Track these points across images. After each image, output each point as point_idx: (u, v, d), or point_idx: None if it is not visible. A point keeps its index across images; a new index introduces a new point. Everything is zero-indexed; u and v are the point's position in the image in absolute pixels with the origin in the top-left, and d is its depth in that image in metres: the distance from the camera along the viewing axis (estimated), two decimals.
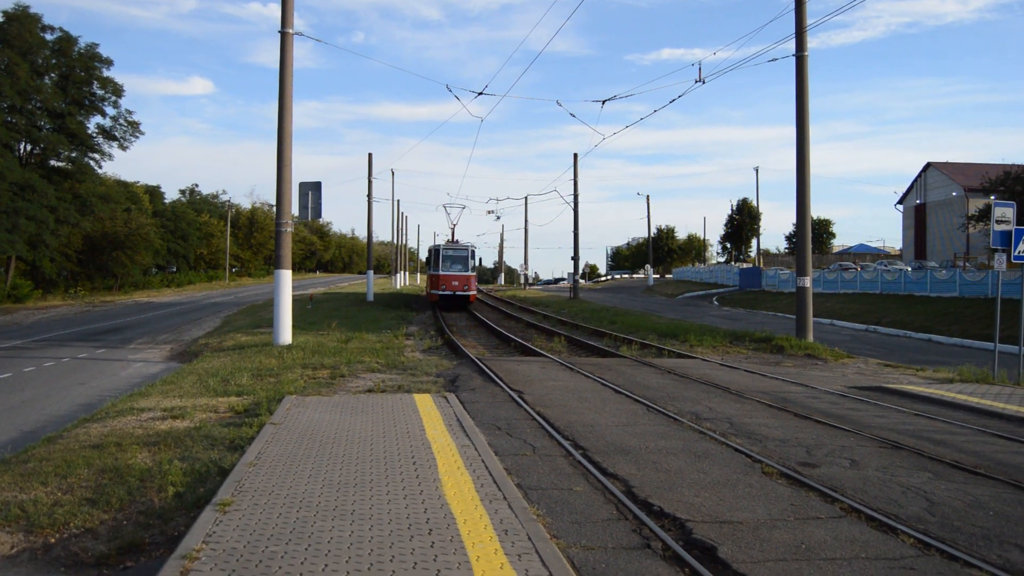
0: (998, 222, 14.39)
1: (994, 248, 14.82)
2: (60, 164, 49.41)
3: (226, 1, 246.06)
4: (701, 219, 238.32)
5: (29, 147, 47.59)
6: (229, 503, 6.08)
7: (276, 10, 17.14)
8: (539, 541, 5.38)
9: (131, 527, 5.99)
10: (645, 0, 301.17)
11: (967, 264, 49.24)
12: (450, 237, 41.70)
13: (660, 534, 5.76)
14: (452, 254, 36.48)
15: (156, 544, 5.72)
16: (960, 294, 35.93)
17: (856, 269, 53.55)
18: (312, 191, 19.74)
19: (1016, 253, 14.09)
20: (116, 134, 52.30)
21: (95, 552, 5.58)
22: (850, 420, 10.29)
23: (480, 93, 24.41)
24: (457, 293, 35.63)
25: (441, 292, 35.30)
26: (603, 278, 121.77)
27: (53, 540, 5.78)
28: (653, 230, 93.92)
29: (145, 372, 17.83)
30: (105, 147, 51.99)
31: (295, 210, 19.22)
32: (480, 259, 38.80)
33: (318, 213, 19.89)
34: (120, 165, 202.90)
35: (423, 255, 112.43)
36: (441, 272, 35.79)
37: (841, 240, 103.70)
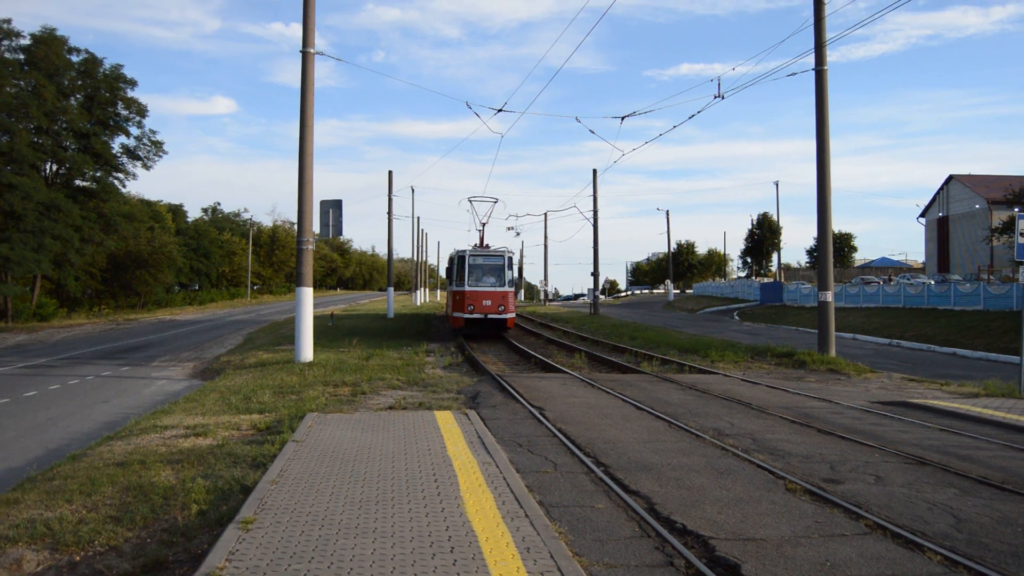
0: (1022, 234, 14.24)
1: (1019, 261, 14.65)
2: (85, 184, 50.03)
3: (249, 22, 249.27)
4: (721, 234, 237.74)
5: (55, 167, 48.23)
6: (252, 521, 6.10)
7: (298, 30, 17.41)
8: (561, 559, 5.36)
9: (155, 545, 6.03)
10: (664, 16, 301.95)
11: (991, 277, 48.72)
12: (479, 240, 31.52)
13: (683, 551, 5.72)
14: (482, 262, 27.84)
15: (180, 562, 5.74)
16: (984, 307, 35.53)
17: (878, 283, 53.11)
18: (333, 209, 19.86)
19: None
20: (140, 154, 52.91)
21: (119, 570, 5.62)
22: (874, 435, 10.19)
23: (500, 110, 24.51)
24: (490, 316, 27.06)
25: (468, 315, 27.03)
26: (623, 293, 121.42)
27: (78, 558, 5.82)
28: (673, 245, 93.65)
29: (168, 390, 17.95)
30: (129, 167, 52.63)
31: (316, 228, 19.34)
32: (521, 269, 31.07)
33: (339, 231, 20.00)
34: (144, 184, 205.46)
35: (443, 271, 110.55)
36: (468, 288, 27.18)
37: (863, 254, 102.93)
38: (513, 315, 28.31)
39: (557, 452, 9.08)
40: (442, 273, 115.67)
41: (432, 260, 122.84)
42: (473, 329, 27.78)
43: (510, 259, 28.20)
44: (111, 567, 5.66)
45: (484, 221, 32.23)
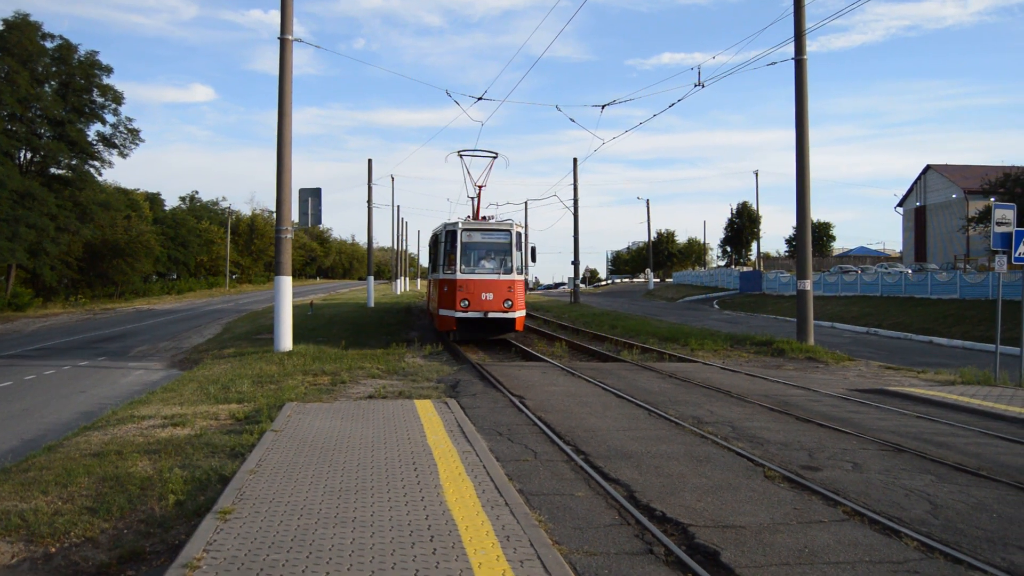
0: (998, 224, 14.38)
1: (994, 250, 14.81)
2: (60, 172, 49.53)
3: (227, 8, 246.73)
4: (701, 223, 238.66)
5: (29, 155, 47.68)
6: (230, 511, 6.06)
7: (277, 17, 17.27)
8: (541, 547, 5.36)
9: (132, 536, 5.98)
10: (646, 5, 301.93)
11: (967, 266, 49.21)
12: (473, 211, 23.69)
13: (663, 539, 5.74)
14: (481, 240, 20.93)
15: (157, 553, 5.70)
16: (961, 296, 35.92)
17: (857, 272, 53.52)
18: (312, 197, 19.74)
19: (1017, 255, 14.08)
20: (116, 141, 52.48)
21: (96, 561, 5.56)
22: (852, 423, 10.27)
23: (480, 98, 24.39)
24: (491, 315, 20.09)
25: (461, 313, 20.05)
26: (603, 282, 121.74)
27: (54, 549, 5.76)
28: (653, 234, 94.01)
29: (146, 380, 17.81)
30: (105, 154, 52.23)
31: (295, 216, 19.23)
32: (533, 250, 23.22)
33: (318, 219, 19.89)
34: (120, 172, 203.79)
35: (424, 260, 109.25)
36: (461, 275, 20.17)
37: (841, 243, 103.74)
38: (523, 313, 21.03)
39: (537, 440, 9.08)
40: (423, 261, 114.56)
41: (412, 249, 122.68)
42: (468, 333, 20.84)
43: (519, 235, 20.94)
44: (87, 558, 5.61)
45: (480, 183, 23.28)
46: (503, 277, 20.36)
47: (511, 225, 21.04)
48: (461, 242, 20.51)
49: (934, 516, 6.37)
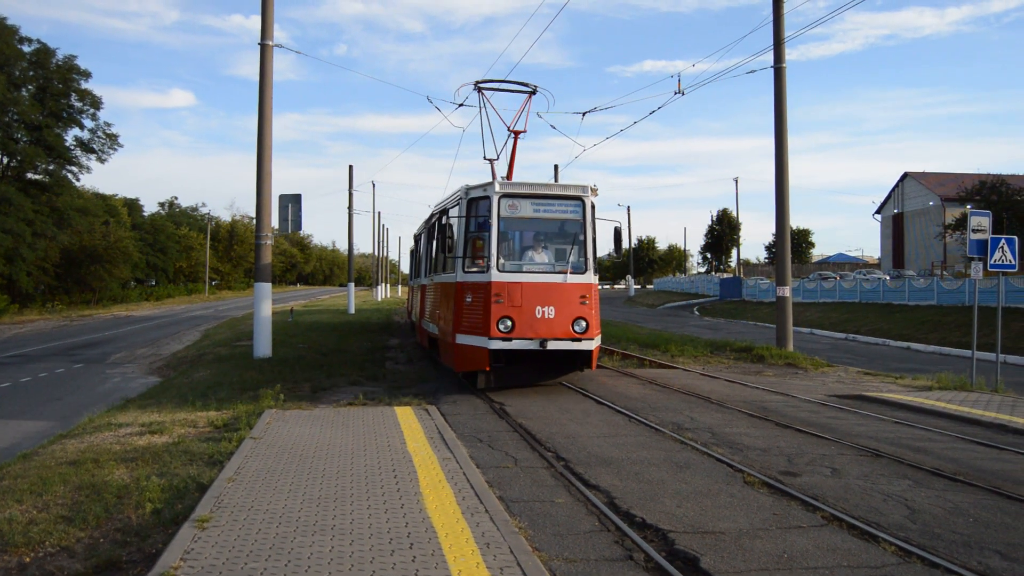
0: (974, 231, 14.52)
1: (971, 257, 14.95)
2: (37, 177, 49.05)
3: (208, 13, 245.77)
4: (682, 230, 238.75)
5: (6, 160, 47.23)
6: (208, 519, 6.01)
7: (258, 22, 17.27)
8: (521, 554, 5.35)
9: (108, 545, 5.91)
10: (627, 13, 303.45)
11: (944, 273, 49.70)
12: (507, 172, 15.45)
13: (642, 545, 5.75)
14: (534, 214, 13.30)
15: (133, 562, 5.63)
16: (938, 302, 36.25)
17: (835, 278, 53.93)
18: (292, 203, 19.66)
19: (992, 262, 14.22)
20: (94, 147, 52.11)
21: (71, 571, 5.50)
22: (831, 428, 10.33)
23: (461, 104, 24.34)
24: (552, 344, 12.50)
25: (501, 342, 12.37)
26: None
27: (28, 559, 5.68)
28: (634, 241, 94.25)
29: (123, 387, 17.66)
30: (83, 160, 51.83)
31: (275, 223, 19.13)
32: (617, 232, 13.93)
33: (298, 225, 19.82)
34: (98, 178, 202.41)
35: (404, 267, 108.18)
36: (498, 276, 12.60)
37: (820, 250, 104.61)
38: (599, 341, 13.51)
39: (518, 447, 9.07)
40: (404, 269, 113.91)
41: (393, 255, 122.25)
42: (512, 375, 13.46)
43: (593, 209, 13.46)
44: (62, 568, 5.54)
45: (517, 129, 15.26)
46: (572, 279, 12.77)
47: (584, 190, 13.21)
48: (499, 216, 12.76)
49: (912, 521, 6.42)
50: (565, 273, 12.82)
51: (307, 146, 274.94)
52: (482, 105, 15.70)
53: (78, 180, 52.96)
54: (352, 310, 42.40)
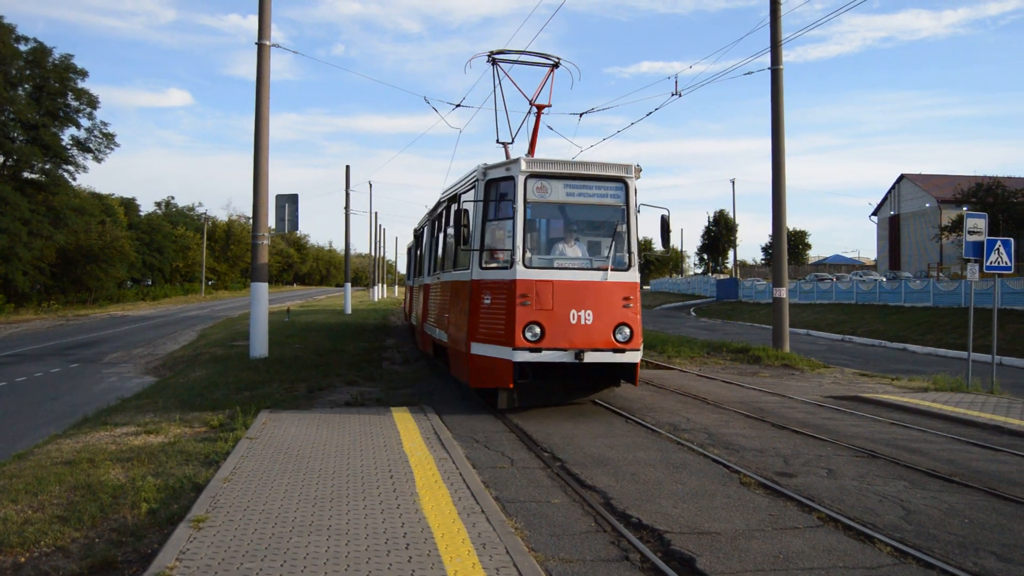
0: (970, 233, 14.56)
1: (967, 258, 14.98)
2: (33, 176, 48.98)
3: (205, 13, 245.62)
4: (678, 231, 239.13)
5: (2, 159, 47.14)
6: (203, 519, 6.00)
7: (255, 22, 17.27)
8: (517, 554, 5.35)
9: (103, 545, 5.90)
10: (625, 14, 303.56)
11: (940, 274, 49.80)
12: (528, 152, 13.07)
13: (639, 546, 5.75)
14: (567, 198, 11.28)
15: (129, 562, 5.62)
16: (934, 304, 36.32)
17: (832, 280, 54.00)
18: (289, 203, 19.63)
19: (988, 263, 14.25)
20: (91, 146, 52.04)
21: (66, 571, 5.48)
22: (827, 429, 10.34)
23: (458, 105, 24.35)
24: (590, 355, 10.53)
25: (528, 354, 10.39)
26: None
27: (23, 559, 5.67)
28: None
29: (119, 386, 17.63)
30: (79, 159, 51.76)
31: (272, 223, 19.11)
32: (664, 221, 11.75)
33: (295, 225, 19.78)
34: (95, 177, 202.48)
35: (401, 267, 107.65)
36: (524, 273, 10.64)
37: (817, 251, 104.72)
38: (641, 351, 11.20)
39: (514, 448, 9.07)
40: (400, 270, 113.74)
41: (390, 256, 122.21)
42: (541, 392, 11.57)
43: (636, 192, 11.51)
44: (58, 568, 5.53)
45: (541, 103, 13.19)
46: (613, 277, 10.95)
47: (627, 170, 11.33)
48: (525, 200, 10.85)
49: (907, 522, 6.42)
50: (605, 270, 10.95)
51: (304, 146, 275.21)
52: (496, 79, 13.59)
53: (74, 179, 53.03)
54: (349, 310, 42.36)
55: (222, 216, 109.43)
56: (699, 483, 7.54)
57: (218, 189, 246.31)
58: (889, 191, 71.15)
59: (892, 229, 69.85)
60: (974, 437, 10.02)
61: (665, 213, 11.78)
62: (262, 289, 18.03)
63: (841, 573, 5.30)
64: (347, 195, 46.43)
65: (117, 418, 11.04)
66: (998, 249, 14.24)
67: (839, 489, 7.40)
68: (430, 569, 5.05)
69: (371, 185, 70.98)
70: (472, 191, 11.65)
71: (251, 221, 18.36)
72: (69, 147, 50.82)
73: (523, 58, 13.57)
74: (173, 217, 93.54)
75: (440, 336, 13.51)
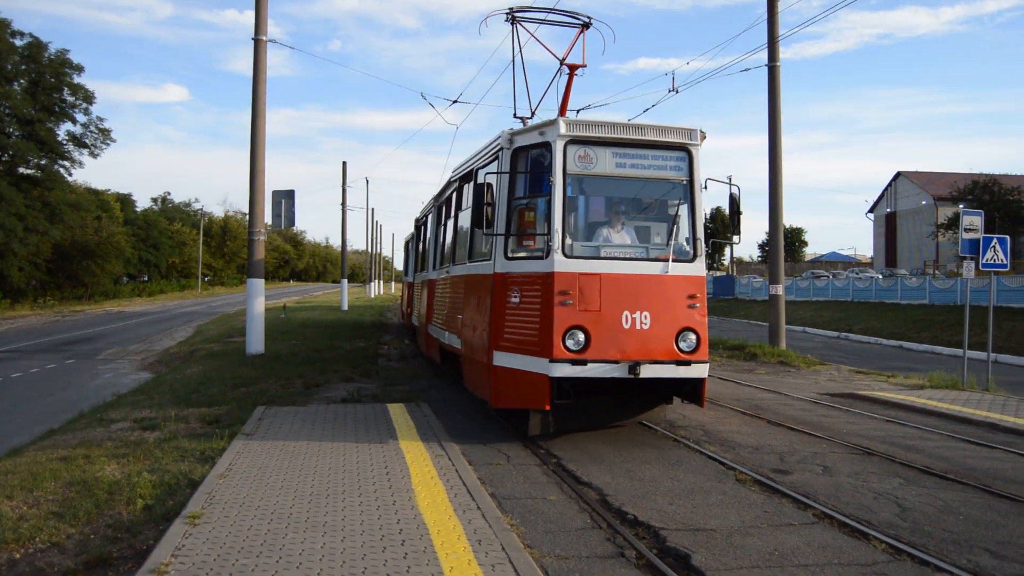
0: (966, 230, 14.57)
1: (963, 256, 15.00)
2: (29, 172, 48.85)
3: (202, 8, 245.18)
4: None
5: None
6: (199, 516, 6.00)
7: (252, 17, 17.24)
8: (513, 551, 5.35)
9: (99, 541, 5.89)
10: (623, 11, 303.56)
11: (936, 272, 49.89)
12: (561, 103, 10.98)
13: (634, 542, 5.76)
14: (616, 170, 9.04)
15: (124, 558, 5.62)
16: (930, 301, 36.39)
17: (828, 277, 54.07)
18: (285, 199, 19.61)
19: (984, 261, 14.27)
20: (87, 141, 51.91)
21: (61, 567, 5.48)
22: (822, 427, 10.36)
23: (455, 101, 24.38)
24: (647, 367, 8.47)
25: (570, 367, 8.34)
26: None
27: (18, 555, 5.66)
28: None
29: (115, 383, 17.61)
30: (75, 154, 51.65)
31: (268, 219, 19.10)
32: (734, 200, 9.83)
33: (291, 222, 19.76)
34: (91, 173, 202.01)
35: (398, 264, 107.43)
36: (564, 264, 8.53)
37: (813, 248, 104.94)
38: (708, 364, 9.08)
39: (510, 444, 9.07)
40: (397, 266, 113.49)
41: (387, 252, 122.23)
42: (585, 414, 9.49)
43: (698, 158, 9.45)
44: (53, 564, 5.52)
45: (574, 63, 11.05)
46: (676, 269, 9.00)
47: (691, 135, 9.29)
48: (565, 171, 8.81)
49: (902, 519, 6.44)
50: (666, 260, 8.91)
51: (301, 142, 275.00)
52: (516, 40, 11.71)
53: (70, 175, 52.88)
54: (345, 307, 42.32)
55: (218, 212, 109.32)
56: (695, 480, 7.55)
57: (215, 185, 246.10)
58: (886, 188, 71.24)
59: (888, 226, 69.95)
60: (969, 435, 10.04)
61: (735, 190, 9.76)
62: (258, 285, 18.00)
63: (836, 570, 5.31)
64: (344, 191, 46.39)
65: (113, 414, 11.02)
66: (994, 247, 14.25)
67: (834, 486, 7.41)
68: (426, 565, 5.05)
69: (368, 181, 70.87)
70: (495, 163, 9.60)
71: (247, 217, 18.33)
72: (65, 142, 50.73)
73: (548, 17, 11.79)
74: (169, 213, 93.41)
75: (451, 341, 11.61)
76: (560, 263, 8.52)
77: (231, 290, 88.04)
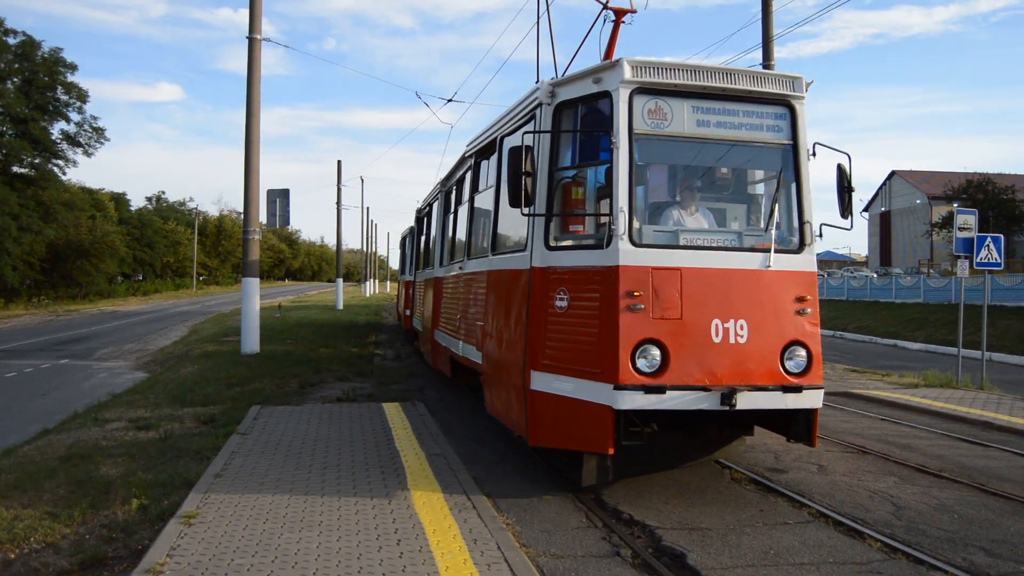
0: (961, 229, 14.59)
1: (957, 255, 15.02)
2: (23, 171, 48.72)
3: (196, 7, 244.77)
4: None
5: None
6: (194, 515, 5.99)
7: (246, 16, 17.26)
8: (508, 550, 5.35)
9: (94, 541, 5.88)
10: None
11: (931, 271, 50.02)
12: (605, 56, 8.13)
13: (629, 542, 5.76)
14: (698, 129, 6.69)
15: (119, 558, 5.61)
16: (924, 300, 36.47)
17: (823, 276, 54.16)
18: (280, 198, 19.60)
19: (978, 260, 14.30)
20: (81, 140, 51.80)
21: (56, 567, 5.47)
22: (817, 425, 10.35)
23: (449, 100, 24.44)
24: (744, 396, 6.20)
25: (642, 397, 6.06)
26: None
27: (13, 556, 5.65)
28: None
29: (110, 382, 17.57)
30: (69, 153, 51.54)
31: (263, 218, 19.06)
32: (843, 167, 7.20)
33: (286, 221, 19.77)
34: (85, 172, 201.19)
35: (394, 262, 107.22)
36: (631, 257, 6.27)
37: None
38: (823, 388, 6.78)
39: (506, 443, 9.07)
40: (393, 265, 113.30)
41: (382, 251, 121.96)
42: (661, 454, 7.37)
43: (803, 115, 7.13)
44: (48, 564, 5.51)
45: (620, 6, 8.33)
46: (778, 263, 6.78)
47: (793, 84, 7.06)
48: (631, 130, 6.53)
49: (897, 517, 6.46)
50: (766, 250, 6.75)
51: (295, 141, 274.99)
52: None
53: (64, 174, 52.74)
54: (340, 306, 42.27)
55: (213, 211, 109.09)
56: (690, 479, 7.55)
57: (209, 184, 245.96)
58: (880, 187, 71.36)
59: (883, 225, 70.07)
60: (964, 433, 10.07)
61: (842, 162, 7.50)
62: (253, 284, 17.98)
63: (831, 568, 5.32)
64: (339, 190, 46.34)
65: (108, 414, 11.00)
66: (988, 245, 14.28)
67: (829, 485, 7.43)
68: (421, 565, 5.05)
69: (363, 180, 71.20)
70: (531, 123, 7.37)
71: (242, 216, 18.30)
72: (59, 141, 50.62)
73: None
74: (164, 212, 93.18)
75: (466, 353, 9.54)
76: (627, 254, 6.33)
77: (226, 289, 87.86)
